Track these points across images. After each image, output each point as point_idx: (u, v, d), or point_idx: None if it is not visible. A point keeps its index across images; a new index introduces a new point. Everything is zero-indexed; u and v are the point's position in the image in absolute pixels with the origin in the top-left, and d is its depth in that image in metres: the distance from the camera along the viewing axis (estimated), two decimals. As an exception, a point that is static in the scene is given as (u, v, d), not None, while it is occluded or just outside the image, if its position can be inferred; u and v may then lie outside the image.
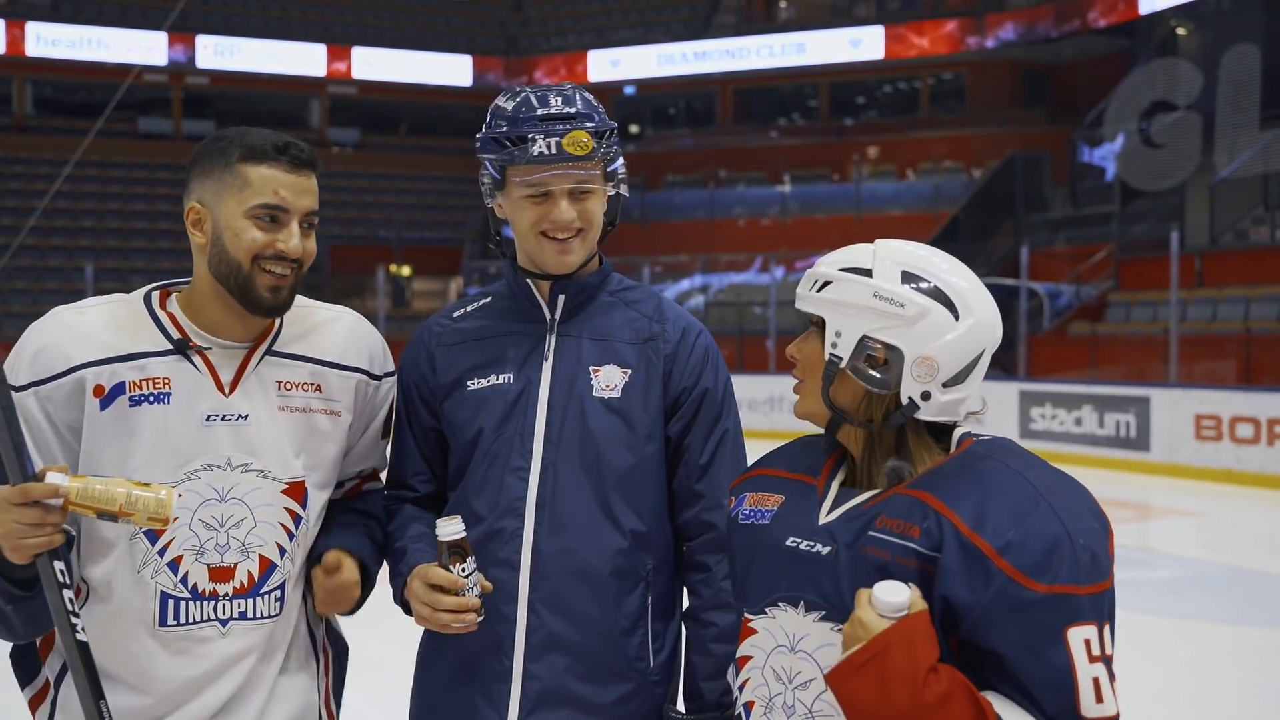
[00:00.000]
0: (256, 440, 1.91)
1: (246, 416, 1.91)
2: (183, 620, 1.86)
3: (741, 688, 1.70)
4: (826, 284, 1.66)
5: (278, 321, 1.99)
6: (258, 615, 1.90)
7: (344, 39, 27.91)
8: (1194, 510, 10.78)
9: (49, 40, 25.53)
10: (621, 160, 2.10)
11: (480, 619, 1.92)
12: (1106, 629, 1.50)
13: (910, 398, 1.61)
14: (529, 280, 2.12)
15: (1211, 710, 5.30)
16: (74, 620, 1.71)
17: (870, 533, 1.57)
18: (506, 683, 2.02)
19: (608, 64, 28.18)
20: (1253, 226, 16.78)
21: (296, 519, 1.94)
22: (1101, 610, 1.50)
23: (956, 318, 1.61)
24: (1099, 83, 22.02)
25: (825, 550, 1.61)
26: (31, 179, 22.96)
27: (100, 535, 1.86)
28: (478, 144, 2.07)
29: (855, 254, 1.68)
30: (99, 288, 17.60)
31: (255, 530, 1.90)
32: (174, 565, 1.86)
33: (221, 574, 1.88)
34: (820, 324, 1.67)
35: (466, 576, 1.89)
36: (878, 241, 1.70)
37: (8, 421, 1.70)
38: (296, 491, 1.94)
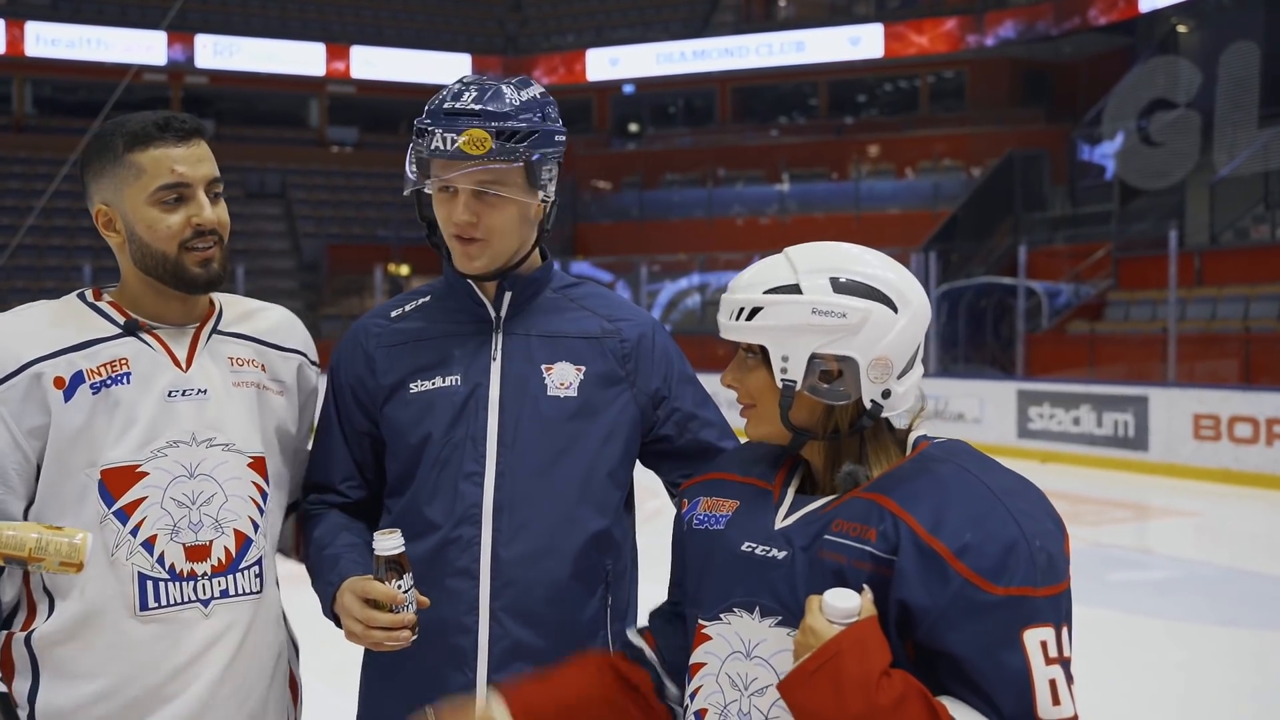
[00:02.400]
0: (218, 414, 1.88)
1: (206, 391, 1.89)
2: (164, 602, 1.81)
3: (693, 695, 1.66)
4: (756, 310, 1.60)
5: (217, 305, 1.98)
6: (240, 592, 1.87)
7: (343, 38, 27.92)
8: (1192, 510, 10.75)
9: (48, 40, 25.54)
10: (550, 168, 1.97)
11: (414, 638, 1.84)
12: (1064, 630, 1.49)
13: (872, 400, 1.59)
14: (469, 279, 2.03)
15: (1204, 713, 5.28)
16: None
17: (826, 536, 1.56)
18: (470, 695, 1.95)
19: (607, 63, 28.17)
20: (1253, 225, 16.76)
21: (263, 493, 1.92)
22: (1059, 612, 1.49)
23: (896, 311, 1.59)
24: (1099, 81, 21.98)
25: (781, 555, 1.59)
26: (31, 178, 22.96)
27: (73, 520, 1.78)
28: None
29: (772, 272, 1.63)
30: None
31: (227, 505, 1.87)
32: (149, 545, 1.81)
33: (198, 552, 1.83)
34: (757, 350, 1.63)
35: (404, 593, 1.81)
36: (786, 252, 1.65)
37: None
38: (260, 466, 1.92)
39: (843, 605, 1.46)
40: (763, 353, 1.62)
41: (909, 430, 1.67)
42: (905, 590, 1.48)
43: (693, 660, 1.68)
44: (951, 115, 25.87)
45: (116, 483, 1.81)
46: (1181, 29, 22.05)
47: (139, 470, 1.82)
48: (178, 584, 1.82)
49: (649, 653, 1.83)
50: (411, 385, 2.02)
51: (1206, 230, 16.98)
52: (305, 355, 2.06)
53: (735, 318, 1.63)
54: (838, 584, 1.51)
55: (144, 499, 1.81)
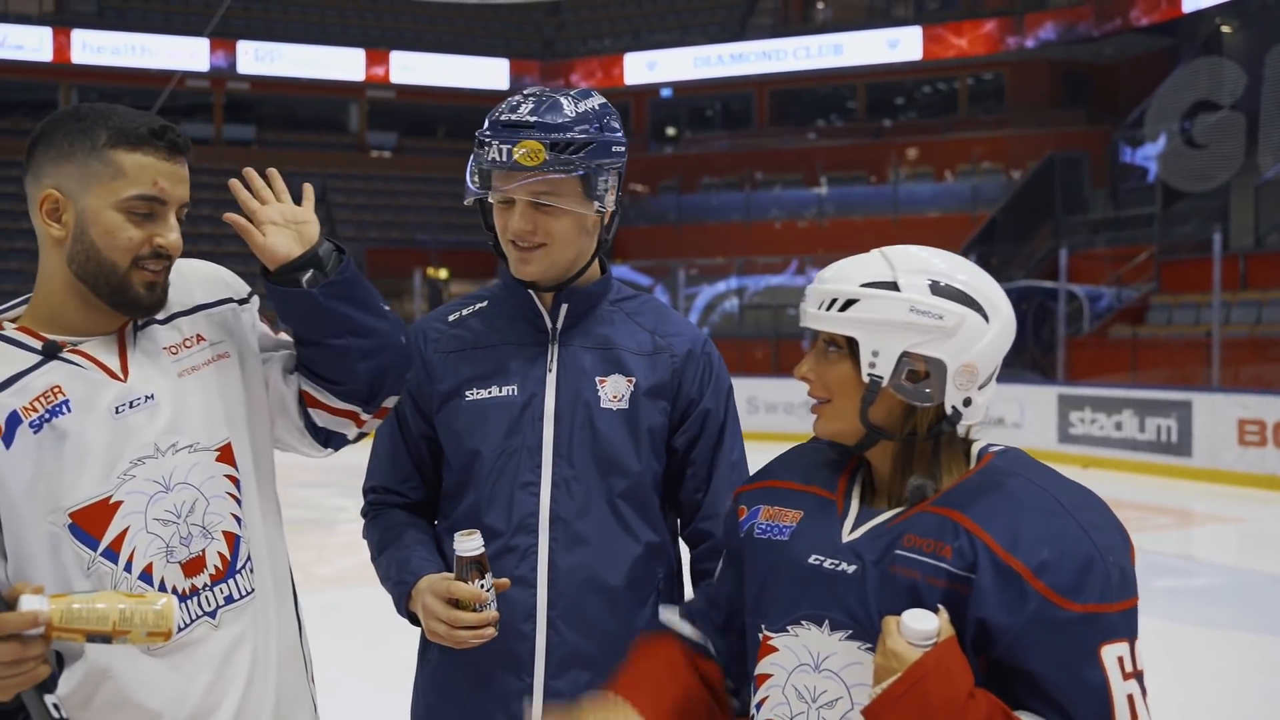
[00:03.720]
0: (174, 416, 1.73)
1: (153, 396, 1.72)
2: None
3: (759, 706, 1.66)
4: (851, 302, 1.59)
5: None
6: (243, 593, 1.76)
7: (382, 43, 28.13)
8: (1236, 516, 10.62)
9: (94, 47, 25.91)
10: (607, 178, 1.98)
11: (495, 634, 1.90)
12: (1136, 645, 1.50)
13: (954, 406, 1.59)
14: (529, 289, 2.06)
15: (1249, 723, 5.22)
16: None
17: (897, 551, 1.55)
18: (528, 699, 2.00)
19: (644, 66, 28.20)
20: (1298, 228, 16.55)
21: (236, 482, 1.78)
22: (1132, 627, 1.50)
23: (987, 320, 1.59)
24: (1141, 82, 21.78)
25: (851, 569, 1.58)
26: (76, 184, 23.28)
27: (56, 577, 1.64)
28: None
29: (867, 267, 1.62)
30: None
31: (210, 509, 1.74)
32: (146, 576, 1.67)
33: (194, 566, 1.71)
34: (842, 343, 1.62)
35: (486, 590, 1.87)
36: (884, 251, 1.64)
37: None
38: (227, 454, 1.78)
39: (923, 627, 1.46)
40: (849, 346, 1.61)
41: (970, 439, 1.66)
42: (984, 608, 1.48)
43: (758, 671, 1.67)
44: (991, 117, 25.70)
45: (92, 521, 1.65)
46: (1225, 29, 21.79)
47: (111, 501, 1.66)
48: (182, 604, 1.70)
49: (712, 648, 1.82)
50: (467, 393, 2.04)
51: (1251, 233, 16.78)
52: (231, 298, 1.88)
53: (826, 308, 1.61)
54: (911, 600, 1.51)
55: (127, 529, 1.66)
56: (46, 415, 1.65)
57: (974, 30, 25.46)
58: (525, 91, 2.02)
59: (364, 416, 1.88)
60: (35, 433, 1.64)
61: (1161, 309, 16.89)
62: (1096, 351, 16.50)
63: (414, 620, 2.01)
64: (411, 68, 28.15)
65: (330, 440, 1.91)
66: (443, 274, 24.65)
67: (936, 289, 1.58)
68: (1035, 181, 21.83)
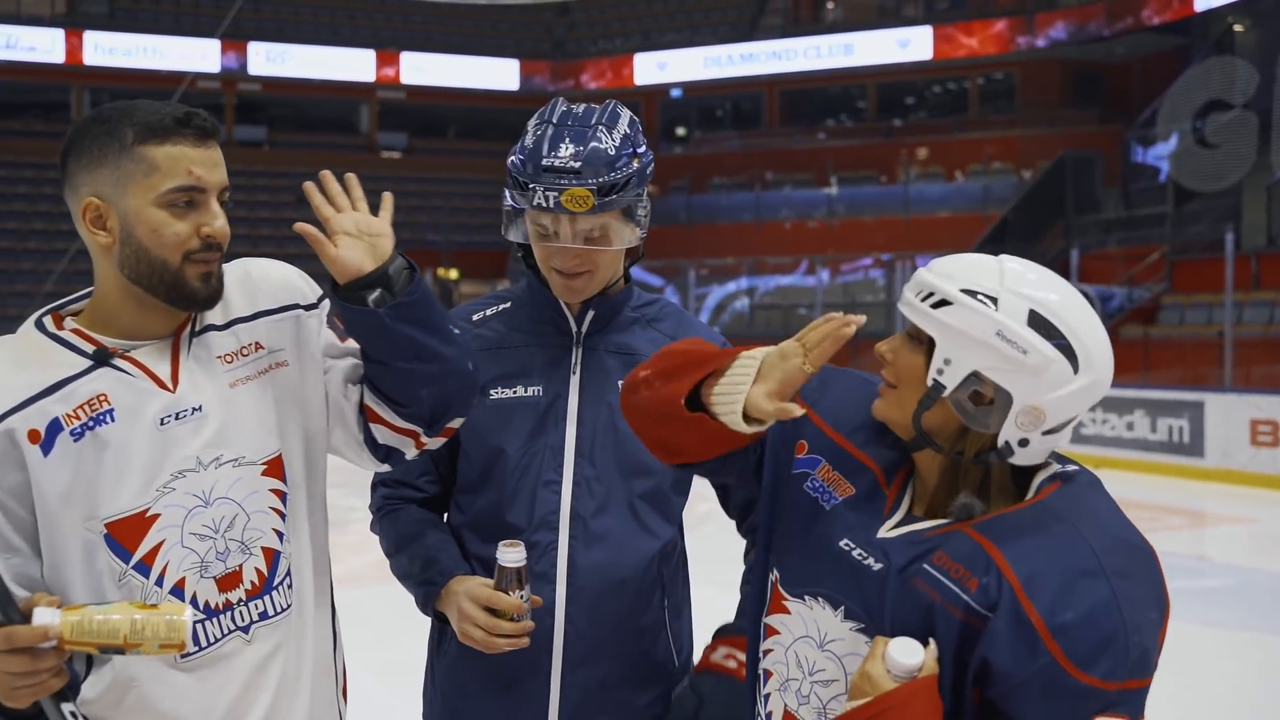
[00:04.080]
0: (220, 429, 1.68)
1: (201, 407, 1.67)
2: (204, 644, 1.66)
3: (765, 654, 1.69)
4: (943, 303, 1.53)
5: None
6: (278, 610, 1.72)
7: (393, 44, 28.19)
8: (1248, 517, 10.58)
9: (106, 49, 26.01)
10: (645, 201, 2.04)
11: (528, 643, 1.96)
12: None
13: (1008, 442, 1.53)
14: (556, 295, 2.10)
15: (1261, 724, 5.21)
16: None
17: (924, 565, 1.52)
18: (545, 693, 2.04)
19: (654, 67, 28.22)
20: (1311, 227, 16.49)
21: (283, 496, 1.74)
22: (1136, 706, 1.45)
23: (1076, 371, 1.51)
24: (1152, 82, 21.72)
25: (877, 566, 1.56)
26: (88, 185, 23.37)
27: (88, 586, 1.62)
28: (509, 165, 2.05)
29: (979, 272, 1.54)
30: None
31: (250, 524, 1.69)
32: (178, 591, 1.64)
33: (230, 581, 1.67)
34: (924, 338, 1.56)
35: (525, 602, 1.92)
36: (1006, 260, 1.57)
37: None
38: (276, 468, 1.73)
39: (906, 661, 1.45)
40: (929, 343, 1.55)
41: (1039, 466, 1.59)
42: (992, 650, 1.45)
43: (767, 620, 1.69)
44: (1002, 117, 25.64)
45: (127, 534, 1.62)
46: (1238, 28, 21.72)
47: (149, 514, 1.63)
48: (214, 619, 1.67)
49: None
50: (492, 392, 2.07)
51: (1264, 232, 16.72)
52: (298, 304, 1.82)
53: (922, 298, 1.55)
54: (925, 619, 1.49)
55: (162, 543, 1.63)
56: (89, 423, 1.61)
57: (985, 30, 25.41)
58: (557, 118, 2.02)
59: (425, 438, 1.84)
60: (75, 441, 1.61)
61: (1173, 309, 16.84)
62: (1108, 351, 16.45)
63: (439, 618, 2.05)
64: (422, 68, 28.20)
65: (390, 457, 1.86)
66: (454, 274, 24.69)
67: (1034, 320, 1.50)
68: (1046, 181, 21.78)
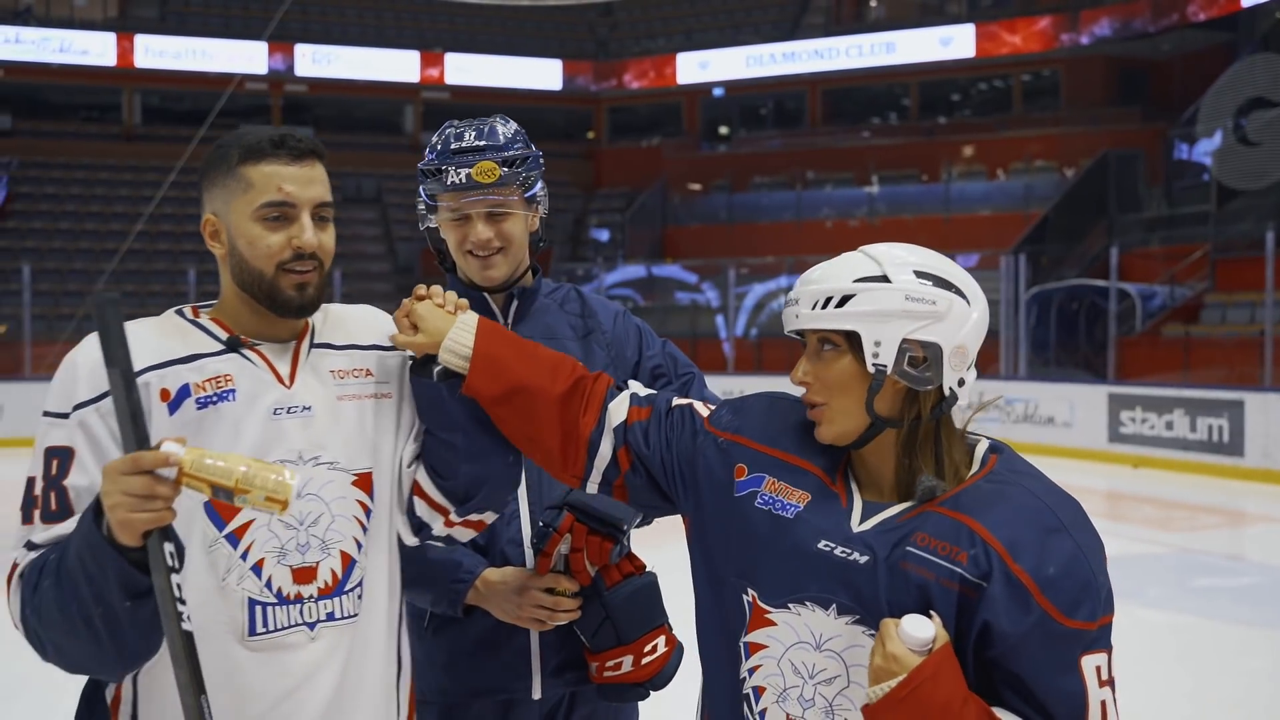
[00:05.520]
0: (323, 432, 1.83)
1: (310, 408, 1.83)
2: (272, 626, 1.76)
3: (751, 671, 1.74)
4: (847, 298, 1.67)
5: (311, 318, 1.93)
6: (345, 615, 1.81)
7: (437, 45, 28.43)
8: (1287, 517, 10.52)
9: (156, 52, 26.43)
10: (541, 184, 2.31)
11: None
12: (1112, 656, 1.62)
13: (950, 388, 1.68)
14: (484, 291, 2.32)
15: (1284, 719, 5.23)
16: (180, 608, 1.56)
17: (909, 549, 1.63)
18: (527, 654, 2.27)
19: (696, 66, 28.26)
20: (1357, 226, 16.25)
21: (368, 511, 1.86)
22: (1108, 639, 1.62)
23: (969, 303, 1.69)
24: (1198, 79, 21.47)
25: (864, 559, 1.65)
26: (139, 185, 23.79)
27: (180, 535, 1.69)
28: (419, 173, 2.30)
29: (854, 265, 1.71)
30: (202, 290, 18.20)
31: (334, 525, 1.81)
32: (257, 569, 1.76)
33: (305, 574, 1.78)
34: (838, 340, 1.69)
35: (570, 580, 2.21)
36: (862, 249, 1.74)
37: (127, 386, 1.56)
38: (365, 483, 1.86)
39: (921, 635, 1.55)
40: (847, 341, 1.69)
41: (967, 432, 1.75)
42: (992, 613, 1.58)
43: (750, 639, 1.74)
44: (1046, 115, 25.45)
45: (224, 507, 1.71)
46: (1286, 24, 21.44)
47: None
48: (285, 607, 1.77)
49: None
50: None
51: (1308, 231, 16.50)
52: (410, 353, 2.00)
53: (821, 306, 1.69)
54: (921, 597, 1.60)
55: (252, 521, 1.76)
56: (214, 397, 1.77)
57: (1028, 27, 25.25)
58: (454, 124, 2.31)
59: (453, 518, 1.96)
60: (199, 409, 1.76)
61: (1215, 308, 16.69)
62: (1149, 350, 16.34)
63: (466, 612, 2.24)
64: (466, 69, 28.42)
65: (421, 530, 1.97)
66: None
67: (923, 277, 1.68)
68: (1089, 179, 21.62)
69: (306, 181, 1.82)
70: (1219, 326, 16.22)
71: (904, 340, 1.66)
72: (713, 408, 1.90)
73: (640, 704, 2.37)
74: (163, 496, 1.54)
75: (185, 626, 1.57)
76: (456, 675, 2.27)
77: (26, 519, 1.72)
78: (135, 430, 1.56)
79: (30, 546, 1.70)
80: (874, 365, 1.67)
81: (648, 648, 2.22)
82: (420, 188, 2.31)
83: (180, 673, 1.56)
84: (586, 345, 2.35)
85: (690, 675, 2.34)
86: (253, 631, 1.75)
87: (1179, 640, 6.12)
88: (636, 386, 1.96)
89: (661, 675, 2.26)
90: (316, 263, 1.83)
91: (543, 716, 2.31)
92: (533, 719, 2.29)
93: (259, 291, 1.82)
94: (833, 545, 1.67)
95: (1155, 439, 13.02)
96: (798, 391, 1.77)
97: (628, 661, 2.21)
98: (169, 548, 1.56)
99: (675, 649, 2.28)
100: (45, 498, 1.71)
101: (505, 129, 2.30)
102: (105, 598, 1.58)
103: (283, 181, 1.80)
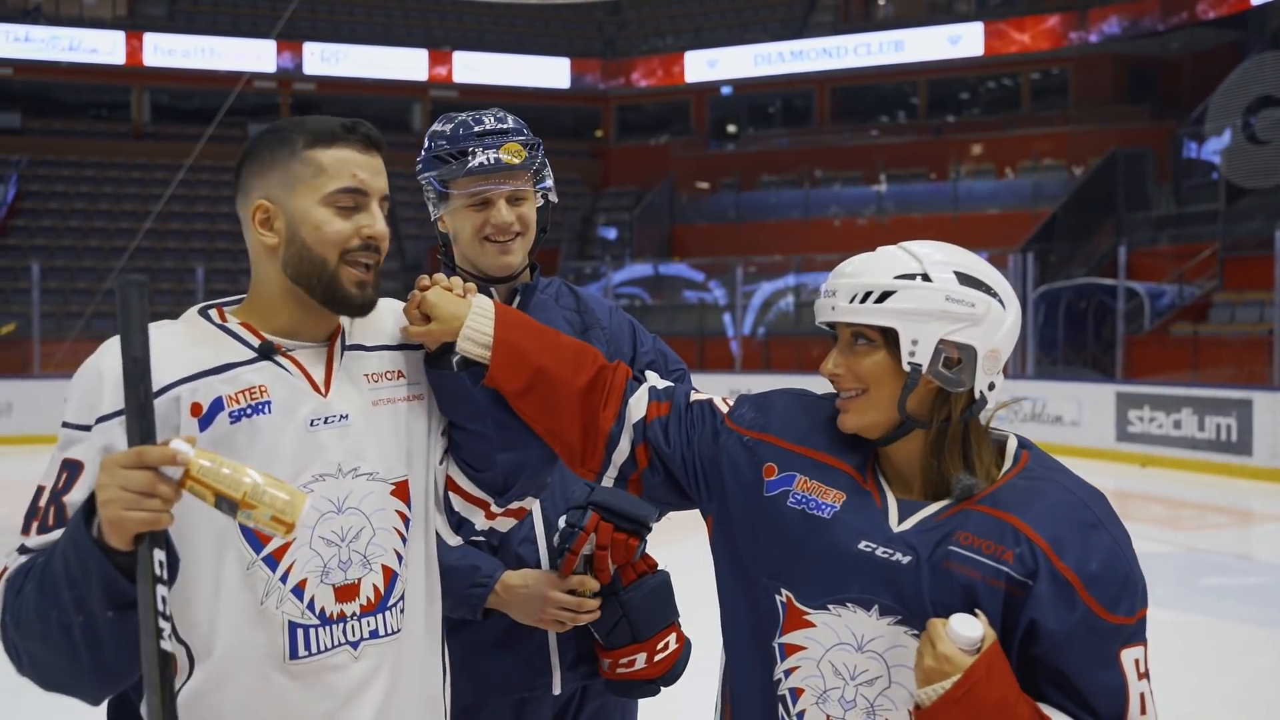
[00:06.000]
0: (361, 441, 1.74)
1: (347, 416, 1.74)
2: (314, 650, 1.68)
3: (788, 673, 1.71)
4: (886, 294, 1.67)
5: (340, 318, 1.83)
6: (388, 631, 1.74)
7: (445, 43, 28.46)
8: (1296, 516, 10.51)
9: (165, 50, 26.50)
10: (549, 172, 2.31)
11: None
12: (1147, 649, 1.64)
13: (981, 391, 1.68)
14: (489, 283, 2.29)
15: (1291, 719, 5.23)
16: (161, 624, 1.44)
17: (952, 548, 1.62)
18: (545, 650, 2.27)
19: (704, 64, 28.26)
20: (1367, 225, 16.20)
21: (406, 521, 1.79)
22: (1144, 631, 1.64)
23: (1004, 307, 1.69)
24: (1207, 77, 21.42)
25: (906, 560, 1.64)
26: (149, 183, 23.87)
27: (212, 575, 1.65)
28: (419, 166, 2.27)
29: (894, 261, 1.70)
30: (210, 288, 18.26)
31: (375, 539, 1.74)
32: (299, 591, 1.67)
33: (347, 592, 1.70)
34: (873, 336, 1.69)
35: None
36: (902, 245, 1.72)
37: (140, 375, 1.47)
38: (403, 491, 1.79)
39: (971, 634, 1.55)
40: (883, 337, 1.68)
41: (992, 429, 1.75)
42: (1039, 611, 1.59)
43: (787, 640, 1.71)
44: (1054, 114, 25.40)
45: None
46: (1295, 22, 21.39)
47: None
48: (327, 628, 1.69)
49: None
50: None
51: (1317, 230, 16.46)
52: None
53: (860, 300, 1.68)
54: (966, 596, 1.60)
55: (292, 541, 1.65)
56: (248, 410, 1.67)
57: (1036, 25, 25.20)
58: (455, 115, 2.29)
59: (495, 509, 1.90)
60: (233, 423, 1.66)
61: (1224, 307, 16.65)
62: (1158, 349, 16.32)
63: (485, 615, 2.24)
64: (474, 67, 28.45)
65: (461, 527, 1.91)
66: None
67: (963, 279, 1.68)
68: (1097, 178, 21.57)
69: (376, 171, 1.77)
70: (1227, 325, 16.18)
71: (941, 341, 1.66)
72: (731, 403, 1.87)
73: (647, 700, 2.38)
74: (163, 496, 1.44)
75: (165, 646, 1.44)
76: (474, 676, 2.26)
77: (25, 530, 1.63)
78: (142, 424, 1.46)
79: (22, 550, 1.62)
80: (909, 364, 1.67)
81: (660, 645, 2.23)
82: (429, 176, 2.25)
83: (152, 697, 1.43)
84: (585, 340, 2.32)
85: (697, 672, 2.35)
86: (294, 655, 1.67)
87: (1185, 640, 6.11)
88: (654, 379, 1.92)
89: (672, 672, 2.27)
90: (377, 256, 1.76)
91: (556, 710, 2.32)
92: (547, 714, 2.30)
93: (316, 283, 1.73)
94: (874, 546, 1.66)
95: (1163, 438, 13.00)
96: (825, 385, 1.77)
97: (641, 659, 2.22)
98: (160, 556, 1.45)
99: (685, 646, 2.29)
100: (46, 511, 1.62)
101: (510, 117, 2.31)
102: (87, 605, 1.48)
103: (356, 168, 1.74)
